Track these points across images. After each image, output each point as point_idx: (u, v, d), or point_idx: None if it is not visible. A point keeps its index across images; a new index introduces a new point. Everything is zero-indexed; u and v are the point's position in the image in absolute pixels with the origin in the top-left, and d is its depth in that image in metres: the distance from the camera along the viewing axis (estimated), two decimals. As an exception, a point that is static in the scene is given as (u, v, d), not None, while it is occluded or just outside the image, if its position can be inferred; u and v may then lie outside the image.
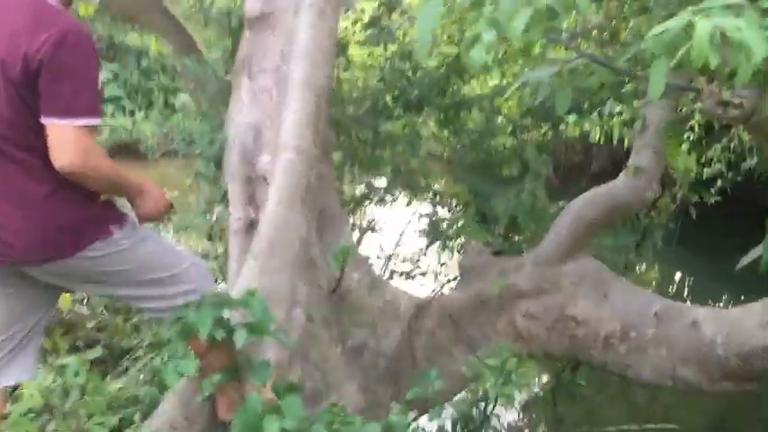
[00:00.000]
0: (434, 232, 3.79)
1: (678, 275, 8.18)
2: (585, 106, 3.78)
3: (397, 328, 3.06)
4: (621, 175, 3.05)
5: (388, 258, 4.04)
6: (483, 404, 2.60)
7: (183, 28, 4.10)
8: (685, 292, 7.54)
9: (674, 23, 1.25)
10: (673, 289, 7.63)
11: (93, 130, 1.80)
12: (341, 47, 4.14)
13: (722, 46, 1.23)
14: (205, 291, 2.07)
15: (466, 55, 1.51)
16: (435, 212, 3.91)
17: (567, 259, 2.93)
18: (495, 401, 2.56)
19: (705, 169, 4.69)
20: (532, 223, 3.36)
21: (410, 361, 3.06)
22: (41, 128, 1.75)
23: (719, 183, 4.82)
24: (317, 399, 2.82)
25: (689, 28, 1.24)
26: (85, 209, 1.87)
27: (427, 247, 3.94)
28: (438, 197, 4.07)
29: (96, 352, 3.17)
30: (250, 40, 3.22)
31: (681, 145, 3.76)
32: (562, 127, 3.86)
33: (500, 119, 4.13)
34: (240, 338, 1.97)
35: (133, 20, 5.06)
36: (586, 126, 3.67)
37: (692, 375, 2.70)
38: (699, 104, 1.58)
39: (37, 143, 1.77)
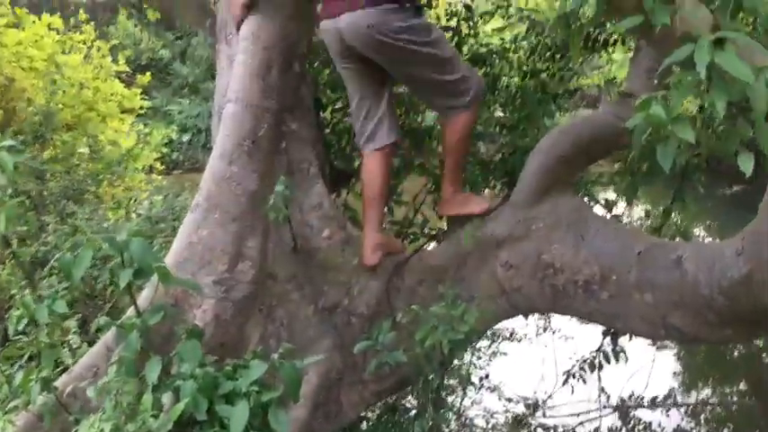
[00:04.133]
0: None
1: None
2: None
3: (374, 287, 2.91)
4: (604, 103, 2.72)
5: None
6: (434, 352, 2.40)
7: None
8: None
9: None
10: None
11: None
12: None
13: None
14: None
15: None
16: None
17: (542, 200, 2.64)
18: (450, 351, 2.34)
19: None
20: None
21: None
22: None
23: None
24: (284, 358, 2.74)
25: None
26: None
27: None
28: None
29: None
30: (223, 5, 3.21)
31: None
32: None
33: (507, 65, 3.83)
34: (124, 278, 1.93)
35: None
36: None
37: (684, 323, 2.35)
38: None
39: None
